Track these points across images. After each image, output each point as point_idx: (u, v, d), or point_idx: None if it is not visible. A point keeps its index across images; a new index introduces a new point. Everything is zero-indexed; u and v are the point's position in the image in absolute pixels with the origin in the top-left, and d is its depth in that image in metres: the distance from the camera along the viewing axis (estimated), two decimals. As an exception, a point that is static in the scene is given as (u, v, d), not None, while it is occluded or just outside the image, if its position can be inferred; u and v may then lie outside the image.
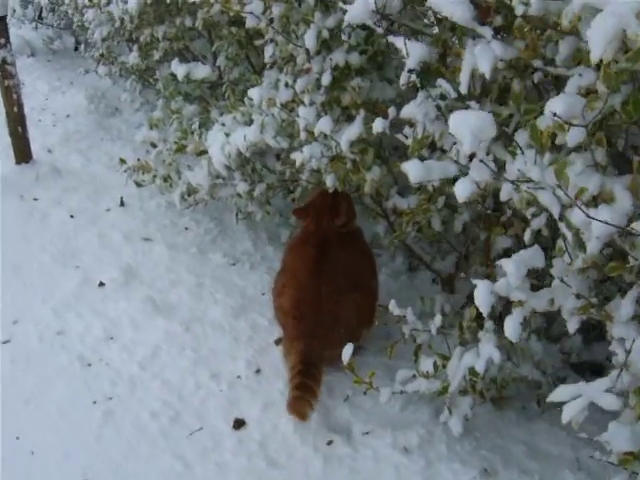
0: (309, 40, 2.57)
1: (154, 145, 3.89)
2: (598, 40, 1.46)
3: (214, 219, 4.23)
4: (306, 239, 3.19)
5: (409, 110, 2.18)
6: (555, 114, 1.57)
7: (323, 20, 2.57)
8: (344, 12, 2.08)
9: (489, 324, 2.47)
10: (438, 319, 2.60)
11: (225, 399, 2.86)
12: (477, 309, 2.49)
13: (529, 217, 2.10)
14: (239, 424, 2.73)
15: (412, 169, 2.05)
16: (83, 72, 6.25)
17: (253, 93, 2.87)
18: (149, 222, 4.19)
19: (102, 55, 5.18)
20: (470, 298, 3.31)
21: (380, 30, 1.99)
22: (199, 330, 3.27)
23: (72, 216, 4.29)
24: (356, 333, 3.04)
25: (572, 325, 1.98)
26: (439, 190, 2.71)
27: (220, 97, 4.30)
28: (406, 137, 2.34)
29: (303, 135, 2.78)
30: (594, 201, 1.66)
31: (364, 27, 2.54)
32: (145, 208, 4.34)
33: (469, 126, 1.62)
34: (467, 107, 1.92)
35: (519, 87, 2.06)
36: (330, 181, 2.91)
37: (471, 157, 1.69)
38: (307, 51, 2.64)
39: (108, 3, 4.55)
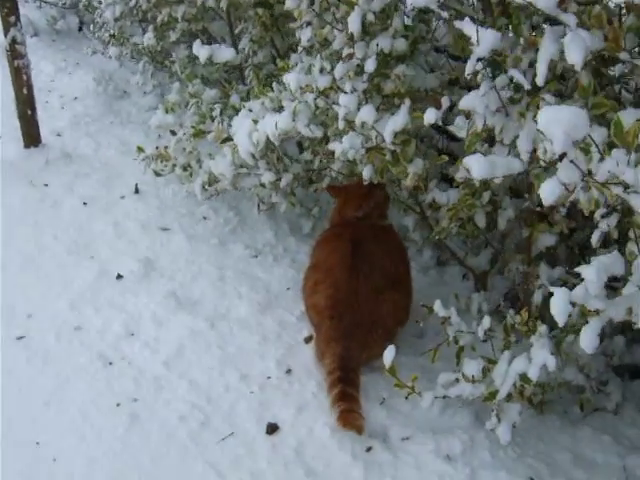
0: (353, 24, 2.42)
1: (173, 132, 3.72)
2: None
3: (233, 208, 4.07)
4: (339, 233, 3.05)
5: (469, 101, 2.03)
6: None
7: (368, 3, 2.41)
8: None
9: (543, 328, 2.34)
10: (487, 321, 2.47)
11: (256, 401, 2.72)
12: (528, 312, 2.42)
13: (598, 218, 1.96)
14: (272, 429, 2.59)
15: (475, 164, 1.91)
16: (90, 53, 6.04)
17: (290, 78, 2.70)
18: (166, 211, 4.03)
19: (113, 36, 5.00)
20: (507, 297, 3.21)
21: (445, 14, 1.83)
22: (225, 327, 3.13)
23: (85, 203, 4.12)
24: (392, 333, 2.91)
25: (649, 336, 1.84)
26: (484, 185, 2.57)
27: (240, 81, 4.15)
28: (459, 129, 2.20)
29: (341, 124, 2.62)
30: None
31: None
32: (161, 196, 4.17)
33: (562, 123, 1.47)
34: (543, 100, 1.77)
35: (587, 80, 1.92)
36: (367, 173, 2.76)
37: (561, 157, 1.54)
38: (350, 35, 2.48)
39: (122, -18, 4.39)
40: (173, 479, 2.40)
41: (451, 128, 2.28)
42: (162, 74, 5.20)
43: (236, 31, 3.84)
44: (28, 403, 2.72)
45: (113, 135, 4.99)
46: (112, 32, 5.02)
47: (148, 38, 4.35)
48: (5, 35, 4.38)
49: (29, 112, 4.62)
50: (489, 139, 2.25)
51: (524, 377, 2.29)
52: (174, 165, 3.67)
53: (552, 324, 2.41)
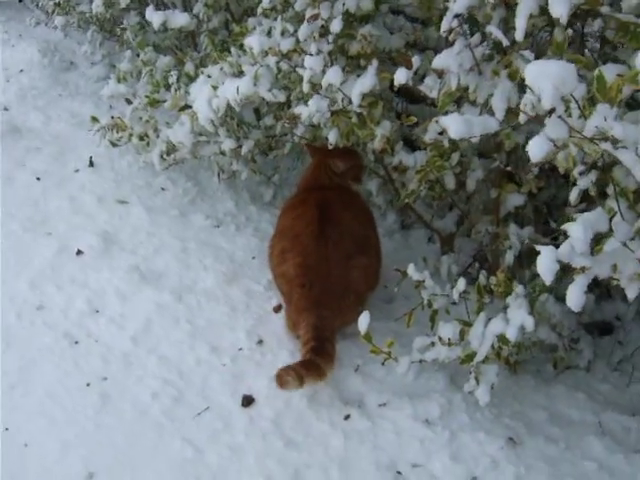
0: (317, -17, 2.34)
1: (129, 101, 3.60)
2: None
3: (191, 178, 3.97)
4: (305, 199, 2.98)
5: (442, 60, 1.99)
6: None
7: (331, -39, 2.34)
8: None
9: (520, 289, 2.32)
10: (462, 283, 2.44)
11: (229, 374, 2.67)
12: (504, 272, 2.41)
13: (576, 176, 1.94)
14: (248, 401, 2.55)
15: (453, 124, 1.87)
16: (34, 24, 5.82)
17: (252, 42, 2.61)
18: (122, 183, 3.91)
19: (58, 4, 4.80)
20: (476, 258, 3.19)
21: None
22: (192, 300, 3.05)
23: (38, 178, 3.97)
24: (363, 299, 2.88)
25: (631, 292, 1.85)
26: (453, 146, 2.54)
27: (192, 48, 4.04)
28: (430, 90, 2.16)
29: (306, 87, 2.55)
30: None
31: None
32: (116, 168, 4.04)
33: (550, 78, 1.43)
34: (522, 57, 1.73)
35: (562, 36, 1.88)
36: (332, 136, 2.71)
37: (550, 112, 1.50)
38: (313, -5, 2.41)
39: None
40: (150, 457, 2.34)
41: (422, 88, 2.23)
42: (111, 43, 5.03)
43: (189, -5, 3.72)
44: (-8, 387, 2.62)
45: (62, 107, 4.81)
46: (57, 1, 4.81)
47: (96, 5, 4.18)
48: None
49: (-27, 85, 4.43)
50: (457, 99, 2.21)
51: (502, 338, 2.28)
52: (130, 135, 3.56)
53: (523, 284, 2.42)
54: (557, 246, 2.58)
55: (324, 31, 2.48)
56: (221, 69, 2.98)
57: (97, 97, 4.92)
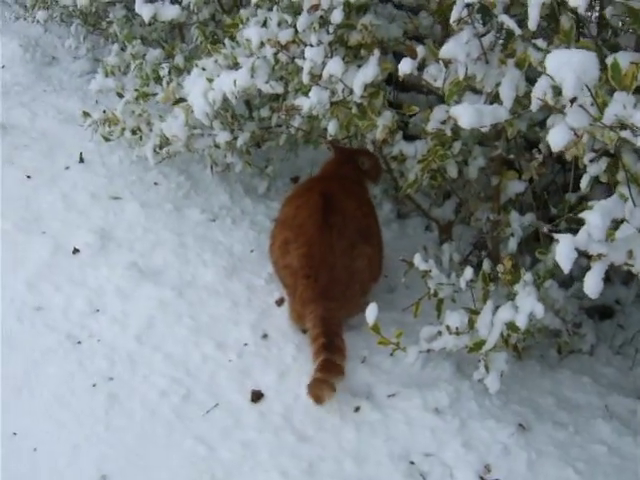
0: (317, -28, 2.31)
1: (120, 95, 3.55)
2: None
3: (183, 172, 3.93)
4: (308, 187, 2.97)
5: (450, 49, 1.97)
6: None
7: (330, -51, 2.31)
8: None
9: (528, 276, 2.33)
10: (469, 272, 2.44)
11: (236, 370, 2.66)
12: (512, 260, 2.41)
13: (586, 163, 1.94)
14: (257, 397, 2.54)
15: (464, 114, 1.86)
16: (13, 19, 5.72)
17: (251, 33, 2.58)
18: (114, 179, 3.86)
19: (40, -2, 4.71)
20: (476, 246, 3.20)
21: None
22: (193, 295, 3.03)
23: (29, 177, 3.90)
24: (367, 289, 2.87)
25: (647, 278, 1.84)
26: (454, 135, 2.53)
27: (181, 40, 4.00)
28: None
29: (306, 78, 2.53)
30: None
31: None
32: (107, 164, 3.99)
33: (573, 67, 1.42)
34: (534, 46, 1.72)
35: (569, 23, 1.88)
36: (332, 127, 2.69)
37: (572, 101, 1.49)
38: (313, -14, 2.38)
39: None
40: (163, 457, 2.32)
41: (425, 77, 2.21)
42: (94, 37, 4.96)
43: (177, -13, 3.66)
44: (-3, 391, 2.58)
45: (48, 103, 4.73)
46: (38, -6, 4.74)
47: (81, -1, 4.10)
48: None
49: (-45, 83, 4.34)
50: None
51: (512, 325, 2.29)
52: (123, 129, 3.51)
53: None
54: (558, 231, 2.61)
55: (323, 21, 2.45)
56: (215, 61, 2.94)
57: (82, 92, 4.86)
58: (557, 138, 1.59)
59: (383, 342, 2.42)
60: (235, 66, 2.87)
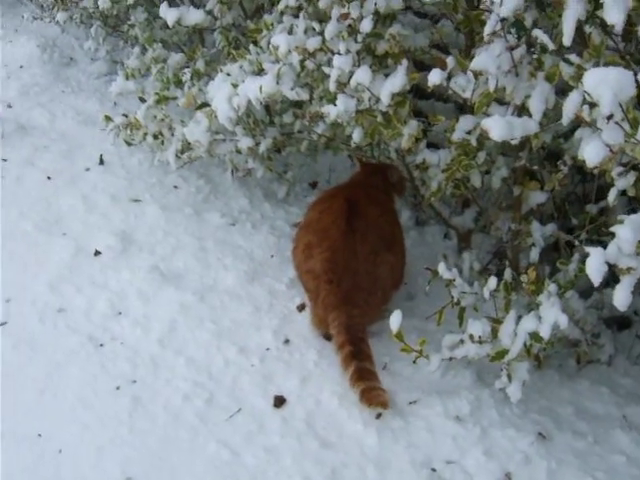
0: (348, -18, 2.33)
1: (143, 99, 3.57)
2: None
3: (202, 176, 3.96)
4: (334, 194, 2.99)
5: (482, 61, 1.98)
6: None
7: (361, -40, 2.33)
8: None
9: (553, 287, 2.34)
10: (493, 282, 2.45)
11: (259, 375, 2.67)
12: (536, 270, 2.42)
13: (615, 177, 1.95)
14: (280, 402, 2.55)
15: (495, 126, 1.89)
16: (31, 19, 5.75)
17: (279, 40, 2.60)
18: (134, 181, 3.89)
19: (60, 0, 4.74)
20: (496, 255, 3.21)
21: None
22: (215, 299, 3.05)
23: (49, 178, 3.93)
24: (388, 296, 2.88)
25: (674, 291, 1.85)
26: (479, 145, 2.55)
27: (202, 45, 4.01)
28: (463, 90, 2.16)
29: (333, 86, 2.55)
30: None
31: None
32: (127, 166, 4.02)
33: (610, 85, 1.44)
34: (566, 60, 1.74)
35: (599, 38, 1.89)
36: (357, 135, 2.70)
37: (608, 118, 1.51)
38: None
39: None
40: (187, 461, 2.34)
41: (453, 88, 2.23)
42: (113, 39, 4.99)
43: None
44: (22, 393, 2.60)
45: (67, 104, 4.77)
46: (58, -4, 4.77)
47: (103, 1, 4.13)
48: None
49: (-25, 82, 4.37)
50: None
51: (535, 335, 2.30)
52: (145, 134, 3.53)
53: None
54: (580, 242, 2.63)
55: (351, 30, 2.47)
56: (240, 67, 2.96)
57: (100, 94, 4.90)
58: (592, 154, 1.61)
59: (406, 349, 2.43)
60: (260, 72, 2.88)
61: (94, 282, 3.15)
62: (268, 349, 2.79)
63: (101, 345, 2.83)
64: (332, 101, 2.62)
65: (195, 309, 2.99)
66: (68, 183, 3.88)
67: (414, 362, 2.52)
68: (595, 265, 1.77)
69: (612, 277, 2.01)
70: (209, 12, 3.43)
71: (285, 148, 3.61)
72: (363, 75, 2.43)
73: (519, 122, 1.92)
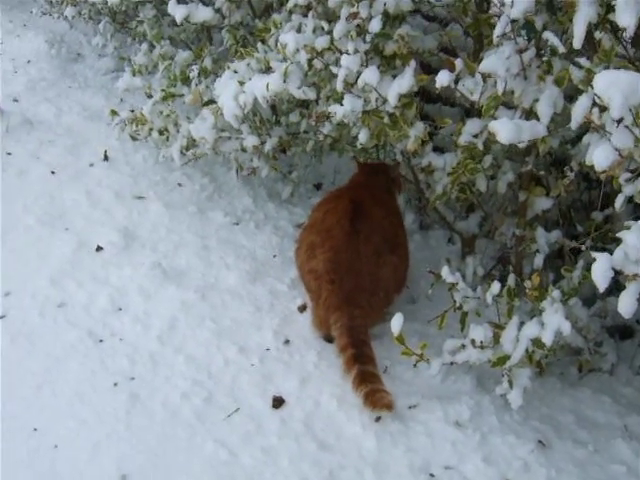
0: (357, -19, 2.32)
1: (149, 95, 3.56)
2: None
3: (206, 174, 3.95)
4: (339, 195, 2.97)
5: (491, 64, 1.97)
6: None
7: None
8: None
9: (556, 293, 2.32)
10: (496, 287, 2.43)
11: (258, 375, 2.65)
12: (540, 276, 2.40)
13: (622, 183, 1.93)
14: (279, 402, 2.53)
15: (503, 129, 1.87)
16: (40, 14, 5.76)
17: (287, 39, 2.58)
18: (138, 178, 3.88)
19: (69, -5, 4.75)
20: (500, 261, 3.19)
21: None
22: (216, 298, 3.03)
23: (53, 172, 3.93)
24: (391, 299, 2.86)
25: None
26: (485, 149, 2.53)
27: (209, 42, 4.00)
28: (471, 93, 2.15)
29: (340, 86, 2.53)
30: None
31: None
32: (131, 162, 4.01)
33: (620, 88, 1.42)
34: (576, 64, 1.72)
35: (610, 43, 1.88)
36: (363, 136, 2.69)
37: (618, 122, 1.49)
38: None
39: None
40: (183, 459, 2.32)
41: (462, 90, 2.21)
42: (121, 36, 5.00)
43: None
44: (19, 387, 2.58)
45: (73, 99, 4.77)
46: (67, -9, 4.77)
47: (112, -3, 4.12)
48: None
49: (-18, 76, 4.37)
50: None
51: (538, 342, 2.28)
52: (150, 129, 3.52)
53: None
54: (585, 249, 2.60)
55: (360, 30, 2.46)
56: (248, 64, 2.95)
57: (107, 90, 4.90)
58: (601, 158, 1.59)
59: (407, 353, 2.41)
60: (267, 70, 2.87)
61: (95, 277, 3.14)
62: (268, 349, 2.78)
63: (100, 341, 2.81)
64: (339, 101, 2.60)
65: (196, 307, 2.97)
66: (72, 178, 3.87)
67: (415, 366, 2.50)
68: (601, 271, 1.75)
69: (615, 285, 2.00)
70: (217, 10, 3.42)
71: (290, 148, 3.59)
72: (371, 75, 2.42)
73: (527, 125, 1.90)
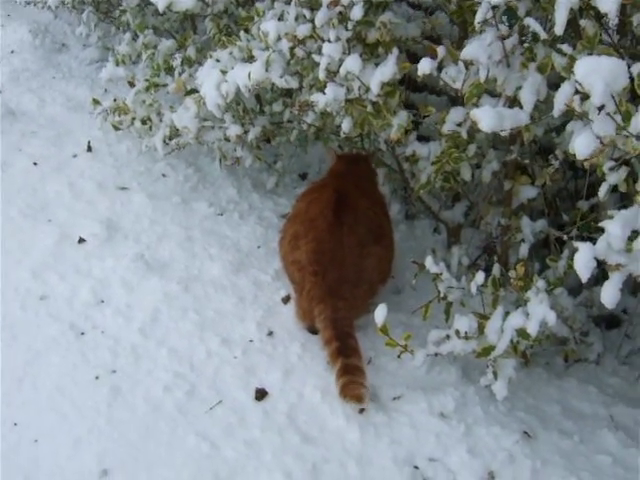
0: (338, -32, 2.28)
1: (132, 84, 3.52)
2: None
3: (191, 164, 3.91)
4: (324, 184, 2.95)
5: (472, 50, 1.94)
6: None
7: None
8: None
9: (541, 283, 2.30)
10: (480, 277, 2.41)
11: (241, 367, 2.63)
12: (525, 266, 2.38)
13: (606, 172, 1.91)
14: (261, 395, 2.51)
15: (484, 117, 1.84)
16: (24, 4, 5.69)
17: (269, 27, 2.55)
18: (122, 169, 3.84)
19: (53, -16, 4.69)
20: (485, 250, 3.17)
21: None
22: (199, 290, 3.00)
23: (35, 163, 3.89)
24: (375, 290, 2.84)
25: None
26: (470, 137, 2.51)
27: (193, 31, 3.96)
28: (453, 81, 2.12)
29: (322, 74, 2.50)
30: None
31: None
32: (115, 153, 3.97)
33: (602, 75, 1.39)
34: (559, 50, 1.69)
35: (593, 30, 1.85)
36: (346, 125, 2.66)
37: (600, 109, 1.47)
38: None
39: None
40: (165, 453, 2.29)
41: (445, 78, 2.18)
42: (105, 25, 4.95)
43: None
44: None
45: (57, 90, 4.72)
46: (51, -19, 4.72)
47: (94, -15, 4.09)
48: None
49: (-36, 66, 4.32)
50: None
51: (522, 332, 2.26)
52: (133, 118, 3.48)
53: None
54: (571, 238, 2.59)
55: (342, 18, 2.42)
56: (230, 53, 2.91)
57: (91, 80, 4.85)
58: (583, 146, 1.56)
59: (391, 344, 2.39)
60: (250, 59, 2.83)
61: (78, 270, 3.11)
62: (251, 341, 2.75)
63: (82, 334, 2.78)
64: (322, 89, 2.57)
65: (179, 299, 2.94)
66: (55, 169, 3.83)
67: (399, 357, 2.48)
68: (584, 261, 1.73)
69: (602, 274, 1.99)
70: (200, -2, 3.37)
71: (275, 138, 3.57)
72: (353, 63, 2.38)
73: (509, 113, 1.88)
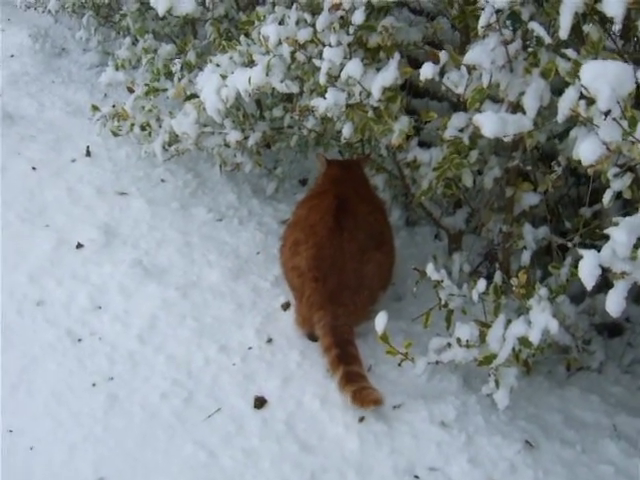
0: (339, -28, 2.26)
1: (131, 90, 3.50)
2: None
3: (190, 170, 3.89)
4: (324, 190, 2.92)
5: (475, 55, 1.92)
6: None
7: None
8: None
9: (543, 291, 2.28)
10: (482, 284, 2.39)
11: (239, 374, 2.60)
12: (527, 274, 2.36)
13: (611, 178, 1.88)
14: (260, 403, 2.48)
15: (487, 122, 1.82)
16: (24, 8, 5.68)
17: (269, 31, 2.53)
18: (121, 174, 3.82)
19: (52, -12, 4.68)
20: (487, 257, 3.15)
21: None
22: (197, 296, 2.98)
23: (34, 168, 3.86)
24: (375, 296, 2.81)
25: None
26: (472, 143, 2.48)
27: (194, 36, 3.95)
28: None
29: (323, 79, 2.48)
30: None
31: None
32: (114, 158, 3.95)
33: (608, 79, 1.37)
34: (563, 55, 1.67)
35: (598, 34, 1.83)
36: (347, 131, 2.63)
37: (605, 114, 1.44)
38: (335, -15, 2.32)
39: None
40: (162, 461, 2.26)
41: (447, 83, 2.16)
42: (105, 30, 4.94)
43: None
44: (-5, 386, 2.53)
45: (56, 95, 4.71)
46: (51, -16, 4.71)
47: (95, -10, 4.07)
48: None
49: (-36, 70, 4.30)
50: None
51: (524, 341, 2.23)
52: (132, 124, 3.46)
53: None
54: (574, 246, 2.56)
55: (343, 22, 2.40)
56: (230, 58, 2.89)
57: (91, 84, 4.85)
58: (588, 152, 1.54)
59: (391, 352, 2.37)
60: (250, 64, 2.82)
61: (75, 275, 3.08)
62: (250, 348, 2.73)
63: (79, 340, 2.76)
64: (322, 94, 2.55)
65: (177, 305, 2.92)
66: (53, 174, 3.81)
67: (399, 365, 2.45)
68: (588, 269, 1.71)
69: (604, 282, 1.96)
70: (201, 3, 3.35)
71: (275, 143, 3.55)
72: (354, 68, 2.37)
73: (513, 119, 1.86)
